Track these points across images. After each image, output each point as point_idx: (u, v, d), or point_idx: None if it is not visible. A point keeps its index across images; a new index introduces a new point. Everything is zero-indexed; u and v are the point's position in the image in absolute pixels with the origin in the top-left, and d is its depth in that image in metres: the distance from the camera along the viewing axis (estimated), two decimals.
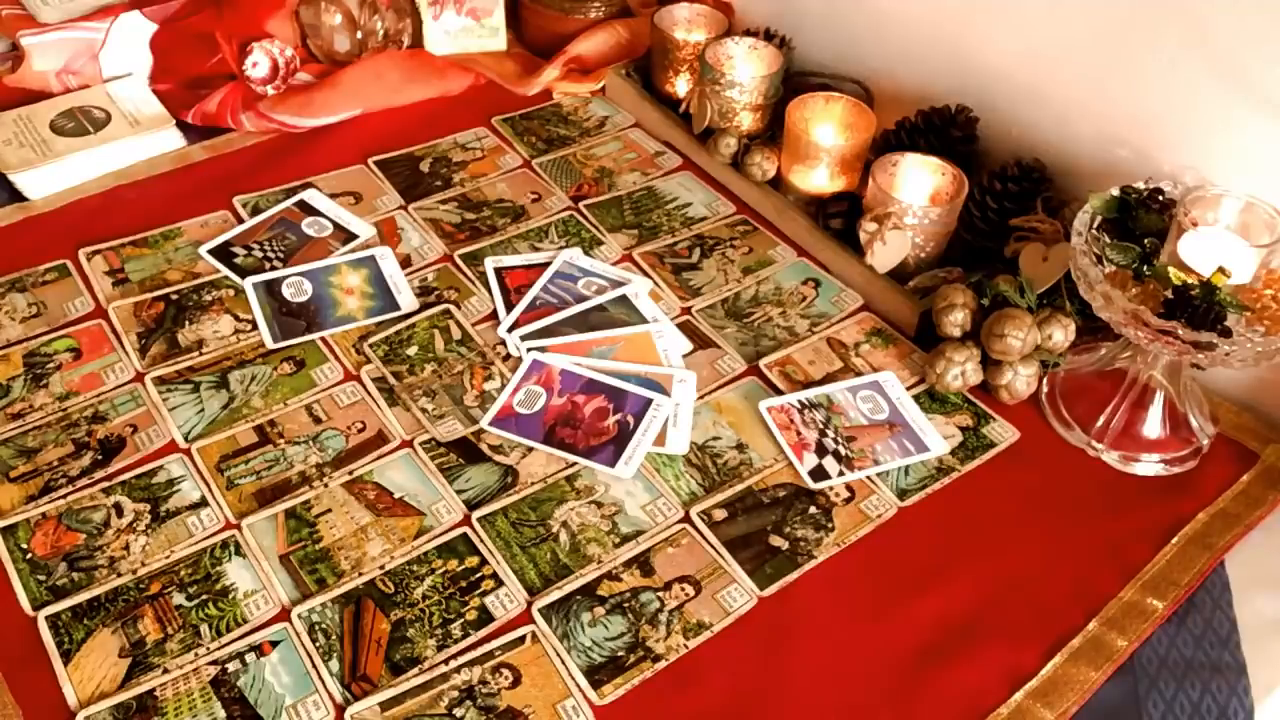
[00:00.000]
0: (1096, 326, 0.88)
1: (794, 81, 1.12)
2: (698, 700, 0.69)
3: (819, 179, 1.03)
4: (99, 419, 0.83)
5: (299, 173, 1.08)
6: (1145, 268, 0.78)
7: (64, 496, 0.78)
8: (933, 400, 0.89)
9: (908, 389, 0.89)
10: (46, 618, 0.71)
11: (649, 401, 0.86)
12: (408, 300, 0.95)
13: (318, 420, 0.85)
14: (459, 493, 0.80)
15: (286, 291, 0.95)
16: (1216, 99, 0.84)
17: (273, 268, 0.97)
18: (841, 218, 1.00)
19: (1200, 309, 0.74)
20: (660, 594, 0.75)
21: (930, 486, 0.82)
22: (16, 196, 1.03)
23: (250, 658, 0.70)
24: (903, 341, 0.94)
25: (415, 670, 0.70)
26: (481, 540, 0.77)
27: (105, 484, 0.79)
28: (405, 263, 0.99)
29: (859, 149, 1.01)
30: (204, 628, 0.71)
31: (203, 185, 1.06)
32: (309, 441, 0.83)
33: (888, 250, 0.94)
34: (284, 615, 0.72)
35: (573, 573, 0.75)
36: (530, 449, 0.83)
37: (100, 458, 0.81)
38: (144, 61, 1.17)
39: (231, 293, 0.95)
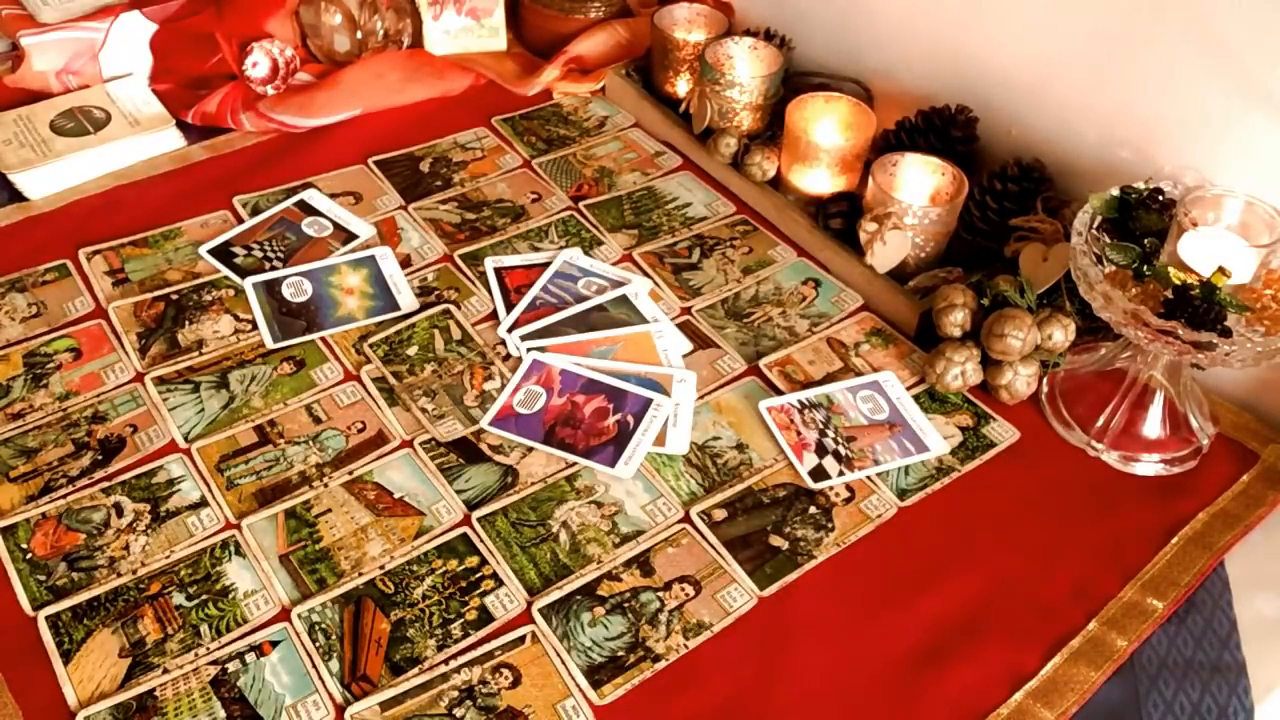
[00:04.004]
0: (1096, 326, 0.88)
1: (794, 81, 1.12)
2: (698, 700, 0.69)
3: (819, 179, 1.03)
4: (99, 419, 0.83)
5: (299, 173, 1.08)
6: (1145, 268, 0.79)
7: (64, 496, 0.78)
8: (933, 400, 0.89)
9: (908, 389, 0.89)
10: (46, 618, 0.71)
11: (649, 401, 0.86)
12: (408, 300, 0.95)
13: (318, 420, 0.85)
14: (459, 493, 0.80)
15: (286, 291, 0.95)
16: (1217, 99, 0.84)
17: (273, 268, 0.97)
18: (841, 218, 1.00)
19: (1200, 309, 0.74)
20: (660, 594, 0.75)
21: (930, 486, 0.82)
22: (16, 196, 1.03)
23: (250, 658, 0.70)
24: (903, 341, 0.94)
25: (415, 670, 0.70)
26: (481, 540, 0.77)
27: (105, 484, 0.79)
28: (405, 263, 0.99)
29: (859, 149, 1.01)
30: (204, 628, 0.71)
31: (203, 185, 1.06)
32: (309, 441, 0.83)
33: (888, 250, 0.94)
34: (284, 615, 0.72)
35: (573, 573, 0.75)
36: (530, 449, 0.83)
37: (100, 458, 0.81)
38: (144, 61, 1.17)
39: (231, 293, 0.95)
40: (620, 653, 0.71)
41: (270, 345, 0.90)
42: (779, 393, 0.89)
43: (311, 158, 1.10)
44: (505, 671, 0.70)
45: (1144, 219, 0.81)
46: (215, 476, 0.80)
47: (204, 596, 0.73)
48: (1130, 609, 0.75)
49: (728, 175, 1.09)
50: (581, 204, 1.07)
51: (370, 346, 0.91)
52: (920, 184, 0.97)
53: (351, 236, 1.01)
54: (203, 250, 0.98)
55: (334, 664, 0.70)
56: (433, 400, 0.87)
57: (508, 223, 1.04)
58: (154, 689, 0.68)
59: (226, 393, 0.86)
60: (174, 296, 0.94)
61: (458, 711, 0.68)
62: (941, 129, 1.01)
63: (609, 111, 1.20)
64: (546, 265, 0.99)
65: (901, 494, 0.82)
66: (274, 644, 0.71)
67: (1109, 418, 0.85)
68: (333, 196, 1.06)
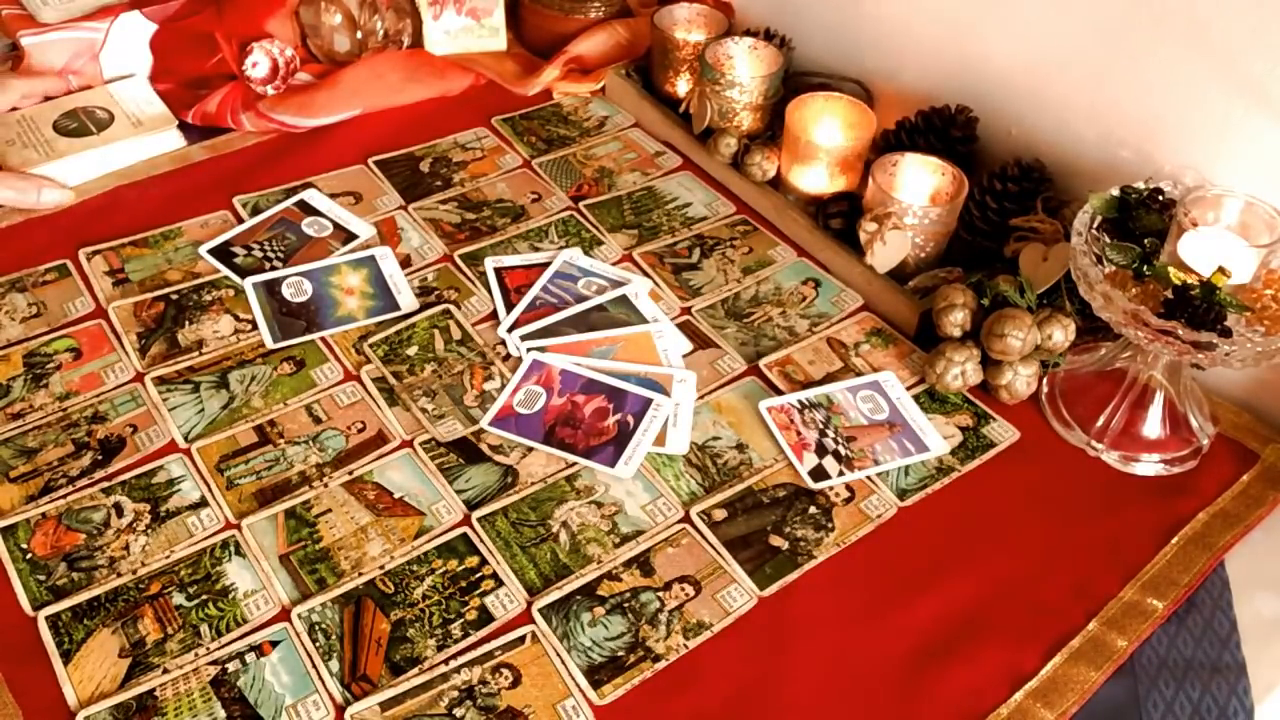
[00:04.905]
0: (1096, 326, 0.88)
1: (794, 81, 1.12)
2: (698, 700, 0.69)
3: (819, 179, 1.03)
4: (99, 419, 0.83)
5: (299, 173, 1.08)
6: (1145, 268, 0.78)
7: (64, 496, 0.78)
8: (933, 400, 0.89)
9: (908, 389, 0.89)
10: (46, 618, 0.71)
11: (649, 401, 0.86)
12: (408, 300, 0.95)
13: (318, 420, 0.85)
14: (459, 493, 0.80)
15: (286, 291, 0.95)
16: (1217, 99, 0.84)
17: (273, 268, 0.97)
18: (841, 218, 1.00)
19: (1200, 309, 0.74)
20: (660, 594, 0.75)
21: (930, 486, 0.82)
22: None
23: (250, 658, 0.70)
24: (903, 341, 0.94)
25: (415, 670, 0.70)
26: (481, 540, 0.77)
27: (105, 484, 0.79)
28: (405, 263, 0.99)
29: (859, 149, 1.01)
30: (204, 628, 0.71)
31: (203, 185, 1.06)
32: (309, 441, 0.83)
33: (888, 250, 0.94)
34: (284, 615, 0.72)
35: (573, 573, 0.75)
36: (530, 449, 0.83)
37: (100, 458, 0.81)
38: (144, 61, 1.17)
39: (231, 293, 0.95)
40: (620, 653, 0.71)
41: (270, 345, 0.90)
42: (779, 393, 0.89)
43: (311, 158, 1.10)
44: (505, 671, 0.70)
45: (1144, 219, 0.81)
46: (215, 476, 0.80)
47: (204, 596, 0.73)
48: (1130, 609, 0.75)
49: (728, 175, 1.09)
50: (581, 204, 1.07)
51: (370, 346, 0.91)
52: (920, 184, 0.97)
53: (351, 236, 1.01)
54: (203, 250, 0.98)
55: (334, 664, 0.70)
56: (433, 400, 0.87)
57: (508, 223, 1.04)
58: (154, 689, 0.68)
59: (226, 393, 0.86)
60: (174, 296, 0.94)
61: (458, 711, 0.68)
62: (941, 129, 1.01)
63: (609, 111, 1.20)
64: (546, 265, 0.99)
65: (901, 494, 0.82)
66: (274, 644, 0.71)
67: (1109, 418, 0.85)
68: (333, 196, 1.06)
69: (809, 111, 1.04)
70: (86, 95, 1.13)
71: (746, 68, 1.11)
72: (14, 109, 1.09)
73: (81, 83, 1.15)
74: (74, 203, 1.03)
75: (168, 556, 0.75)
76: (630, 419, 0.85)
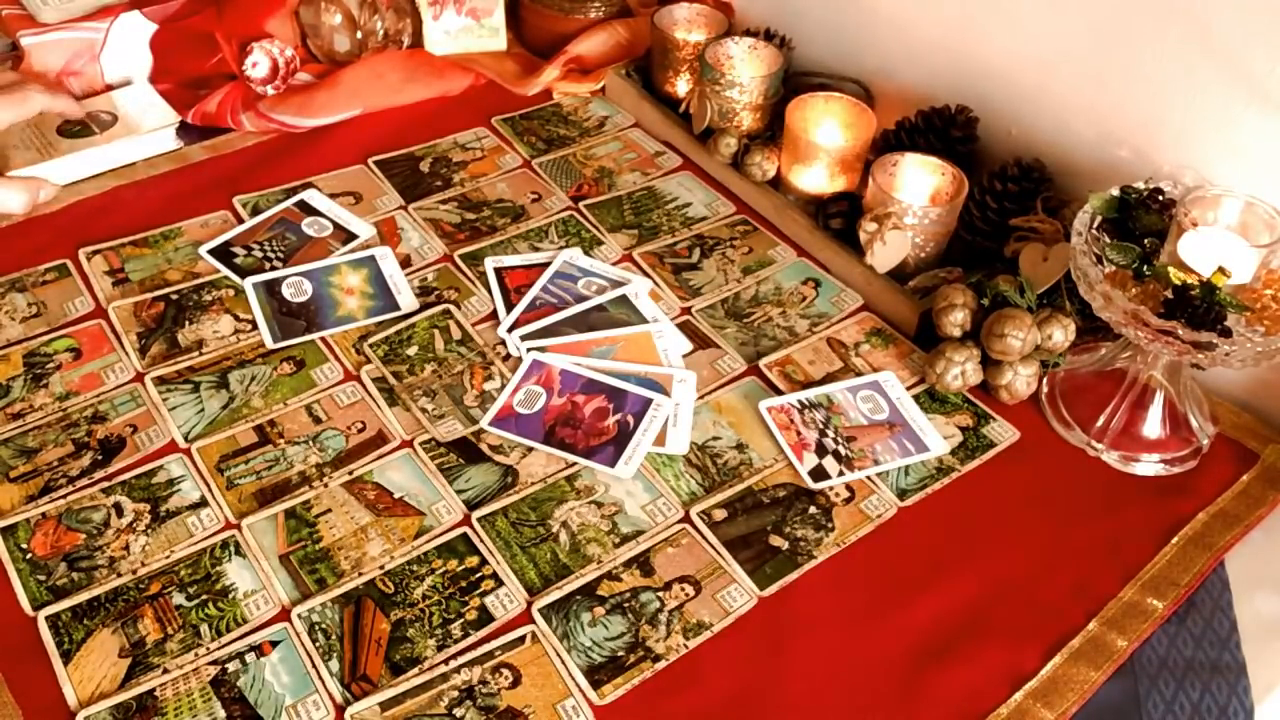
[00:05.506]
0: (1096, 326, 0.88)
1: (794, 81, 1.12)
2: (698, 700, 0.69)
3: (819, 179, 1.03)
4: (99, 419, 0.83)
5: (299, 173, 1.08)
6: (1145, 268, 0.79)
7: (64, 496, 0.78)
8: (933, 400, 0.89)
9: (908, 389, 0.89)
10: (46, 618, 0.71)
11: (649, 401, 0.86)
12: (408, 300, 0.95)
13: (318, 420, 0.85)
14: (459, 493, 0.80)
15: (286, 291, 0.95)
16: (1216, 99, 0.84)
17: (273, 268, 0.97)
18: (841, 218, 1.00)
19: (1200, 309, 0.74)
20: (660, 594, 0.75)
21: (930, 486, 0.82)
22: None
23: (250, 658, 0.70)
24: (903, 341, 0.94)
25: (415, 670, 0.70)
26: (481, 540, 0.77)
27: (105, 484, 0.79)
28: (405, 263, 0.99)
29: (859, 149, 1.01)
30: (204, 628, 0.71)
31: (203, 185, 1.06)
32: (309, 441, 0.83)
33: (888, 250, 0.94)
34: (284, 615, 0.72)
35: (573, 573, 0.75)
36: (530, 449, 0.83)
37: (100, 458, 0.81)
38: (144, 62, 1.17)
39: (231, 293, 0.95)
40: (620, 653, 0.71)
41: (270, 345, 0.90)
42: (779, 393, 0.89)
43: (311, 158, 1.10)
44: (505, 671, 0.70)
45: (1144, 219, 0.81)
46: (215, 476, 0.80)
47: (204, 596, 0.73)
48: (1130, 609, 0.75)
49: (728, 175, 1.09)
50: (581, 204, 1.07)
51: (370, 346, 0.91)
52: (920, 184, 0.97)
53: (351, 236, 1.01)
54: (203, 250, 0.98)
55: (334, 664, 0.70)
56: (433, 400, 0.87)
57: (508, 223, 1.04)
58: (154, 689, 0.68)
59: (226, 393, 0.86)
60: (174, 296, 0.94)
61: (458, 711, 0.68)
62: (941, 129, 1.01)
63: (609, 111, 1.20)
64: (546, 265, 0.99)
65: (901, 494, 0.82)
66: (274, 644, 0.71)
67: (1109, 418, 0.85)
68: (333, 196, 1.06)
69: (809, 111, 1.04)
70: (90, 102, 1.12)
71: (746, 68, 1.11)
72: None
73: (82, 83, 1.15)
74: (74, 202, 1.03)
75: (168, 556, 0.75)
76: (630, 419, 0.85)
